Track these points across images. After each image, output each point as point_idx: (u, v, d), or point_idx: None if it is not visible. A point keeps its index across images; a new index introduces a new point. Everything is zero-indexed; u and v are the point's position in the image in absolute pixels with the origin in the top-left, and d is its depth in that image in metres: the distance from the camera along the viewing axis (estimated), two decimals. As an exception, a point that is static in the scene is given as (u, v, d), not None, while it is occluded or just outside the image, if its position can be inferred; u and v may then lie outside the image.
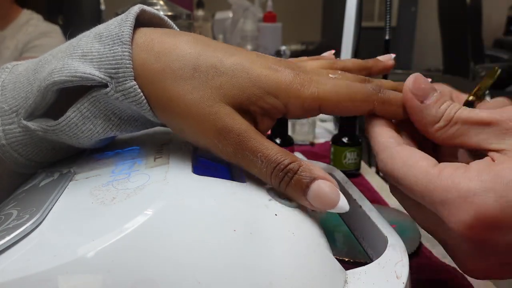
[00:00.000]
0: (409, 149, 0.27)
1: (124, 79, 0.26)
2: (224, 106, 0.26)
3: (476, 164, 0.24)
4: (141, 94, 0.26)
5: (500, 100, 0.30)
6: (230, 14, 1.47)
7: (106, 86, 0.26)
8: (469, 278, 0.41)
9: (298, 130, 0.88)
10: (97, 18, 1.31)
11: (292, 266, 0.23)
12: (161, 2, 0.67)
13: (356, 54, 0.68)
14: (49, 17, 1.39)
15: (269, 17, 1.43)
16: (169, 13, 0.66)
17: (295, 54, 1.65)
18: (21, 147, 0.29)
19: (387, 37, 0.63)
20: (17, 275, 0.20)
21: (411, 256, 0.27)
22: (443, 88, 0.32)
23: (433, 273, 0.42)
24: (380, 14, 3.36)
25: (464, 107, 0.27)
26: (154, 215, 0.22)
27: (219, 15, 1.62)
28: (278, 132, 0.65)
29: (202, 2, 1.69)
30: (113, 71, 0.26)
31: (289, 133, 0.69)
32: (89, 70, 0.26)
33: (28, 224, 0.22)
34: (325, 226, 0.29)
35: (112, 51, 0.26)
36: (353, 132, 0.67)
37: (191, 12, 0.69)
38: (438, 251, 0.47)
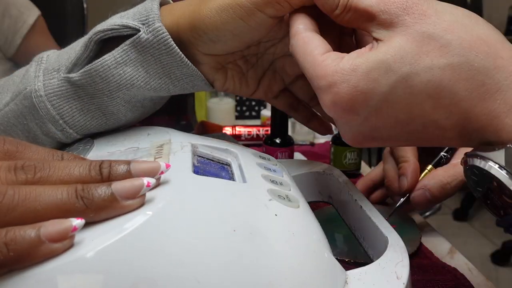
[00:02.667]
0: (311, 36, 0.30)
1: (153, 22, 0.32)
2: None
3: (347, 56, 0.28)
4: (167, 33, 0.32)
5: None
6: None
7: (139, 31, 0.32)
8: (469, 279, 0.41)
9: (298, 130, 0.88)
10: (81, 17, 1.28)
11: (292, 266, 0.23)
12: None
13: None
14: None
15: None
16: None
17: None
18: (55, 98, 0.34)
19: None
20: (17, 274, 0.20)
21: (412, 257, 0.27)
22: None
23: (433, 273, 0.42)
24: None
25: None
26: (154, 215, 0.22)
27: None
28: (278, 132, 0.65)
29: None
30: (144, 18, 0.33)
31: (289, 133, 0.69)
32: (125, 21, 0.33)
33: (27, 224, 0.22)
34: (325, 226, 0.29)
35: (144, 7, 0.34)
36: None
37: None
38: (439, 251, 0.47)
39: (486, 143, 0.26)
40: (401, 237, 0.29)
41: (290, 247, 0.24)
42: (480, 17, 0.27)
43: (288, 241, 0.24)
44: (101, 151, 0.32)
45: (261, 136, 0.84)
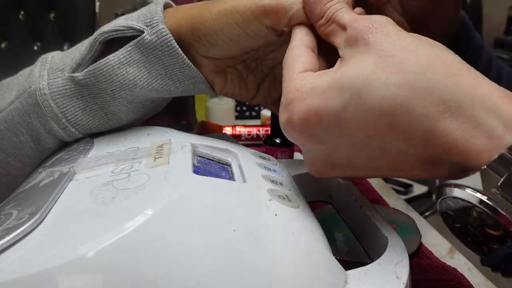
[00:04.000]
0: (303, 52, 0.30)
1: (156, 24, 0.33)
2: None
3: (313, 75, 0.27)
4: (170, 35, 0.33)
5: None
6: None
7: (143, 33, 0.33)
8: (469, 279, 0.41)
9: (298, 130, 0.88)
10: (92, 16, 1.28)
11: (292, 266, 0.23)
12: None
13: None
14: (41, 13, 1.34)
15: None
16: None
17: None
18: (59, 97, 0.34)
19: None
20: (17, 275, 0.20)
21: (411, 256, 0.27)
22: None
23: (433, 273, 0.42)
24: (380, 14, 3.36)
25: (346, 7, 0.29)
26: (154, 215, 0.22)
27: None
28: (278, 132, 0.65)
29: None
30: (148, 20, 0.34)
31: (289, 133, 0.69)
32: (130, 22, 0.34)
33: (28, 224, 0.22)
34: (325, 226, 0.29)
35: (148, 9, 0.35)
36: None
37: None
38: (438, 252, 0.47)
39: (457, 170, 0.24)
40: (401, 237, 0.29)
41: (290, 247, 0.24)
42: (442, 45, 0.27)
43: (288, 241, 0.24)
44: (101, 151, 0.32)
45: (261, 136, 0.84)
